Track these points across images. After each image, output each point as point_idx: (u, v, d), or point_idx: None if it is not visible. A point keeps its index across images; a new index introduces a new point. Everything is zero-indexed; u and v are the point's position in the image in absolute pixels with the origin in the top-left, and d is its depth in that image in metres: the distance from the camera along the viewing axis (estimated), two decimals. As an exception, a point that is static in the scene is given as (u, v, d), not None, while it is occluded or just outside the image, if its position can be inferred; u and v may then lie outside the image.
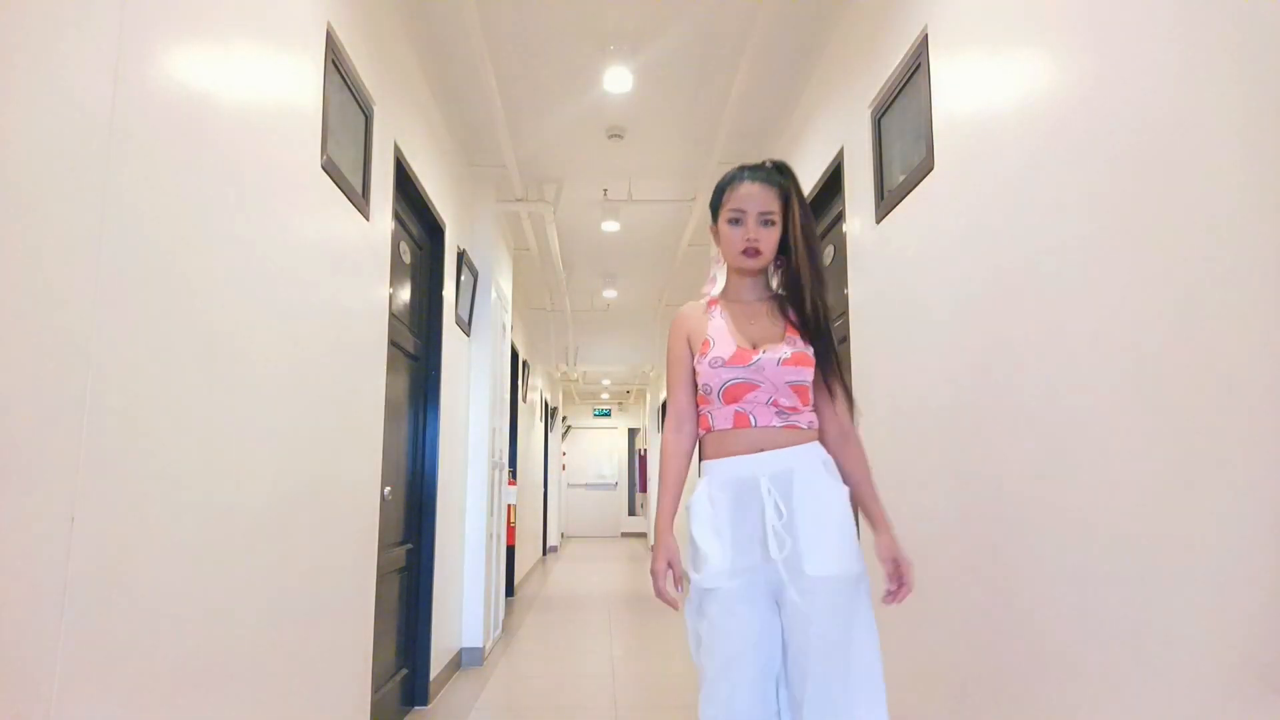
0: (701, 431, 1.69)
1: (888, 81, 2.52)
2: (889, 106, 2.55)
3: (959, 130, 2.06)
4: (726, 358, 1.62)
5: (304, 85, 2.07)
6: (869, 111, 2.70)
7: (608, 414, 15.71)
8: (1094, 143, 1.48)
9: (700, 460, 1.71)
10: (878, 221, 2.63)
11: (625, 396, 14.94)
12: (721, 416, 1.63)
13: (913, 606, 2.32)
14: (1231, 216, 1.16)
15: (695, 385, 1.72)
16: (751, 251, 1.67)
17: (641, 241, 5.97)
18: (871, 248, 2.72)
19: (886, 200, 2.55)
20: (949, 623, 2.08)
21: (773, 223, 1.67)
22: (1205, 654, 1.21)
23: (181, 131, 1.48)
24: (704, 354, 1.67)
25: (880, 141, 2.64)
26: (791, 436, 1.60)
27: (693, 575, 1.59)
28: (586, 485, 15.40)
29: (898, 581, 1.60)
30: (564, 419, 14.24)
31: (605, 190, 4.93)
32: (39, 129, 1.11)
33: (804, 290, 1.66)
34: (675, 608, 1.66)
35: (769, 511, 1.53)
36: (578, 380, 12.13)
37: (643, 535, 14.56)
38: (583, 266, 6.64)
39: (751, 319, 1.71)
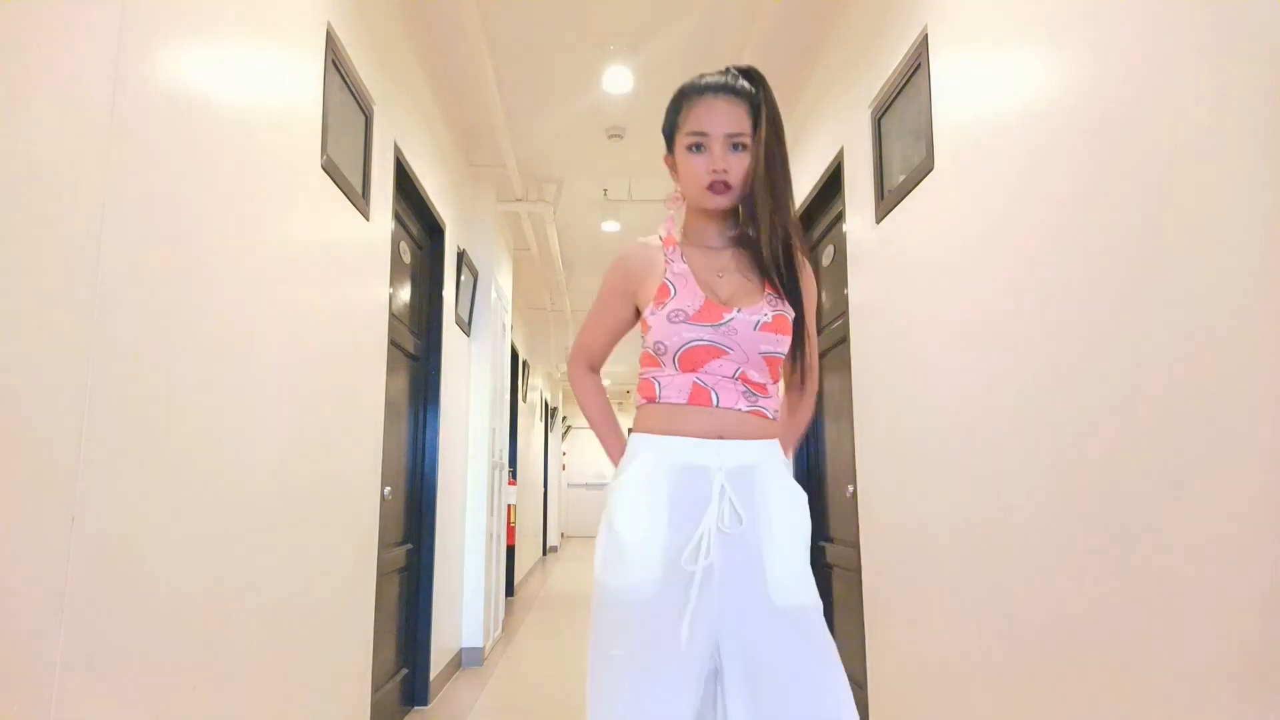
0: (642, 400, 1.37)
1: (888, 81, 2.52)
2: (889, 106, 2.55)
3: (959, 130, 2.06)
4: (691, 312, 1.29)
5: (304, 85, 2.07)
6: (869, 111, 2.70)
7: (608, 414, 15.68)
8: (1094, 142, 1.48)
9: (632, 431, 1.38)
10: (878, 221, 2.63)
11: (625, 396, 14.93)
12: (674, 387, 1.31)
13: (916, 604, 2.32)
14: (1233, 215, 1.16)
15: (618, 339, 1.47)
16: (719, 186, 1.32)
17: (641, 241, 5.96)
18: (871, 248, 2.72)
19: (886, 200, 2.55)
20: (950, 622, 2.08)
21: (744, 146, 1.32)
22: (1205, 654, 1.21)
23: (181, 131, 1.48)
24: (660, 304, 1.32)
25: (880, 141, 2.64)
26: (758, 426, 1.31)
27: (604, 576, 1.26)
28: (586, 485, 15.40)
29: None
30: (564, 419, 14.24)
31: (605, 190, 4.93)
32: (39, 128, 1.11)
33: (759, 228, 1.32)
34: None
35: (714, 513, 1.23)
36: (578, 380, 12.11)
37: (643, 535, 14.50)
38: (583, 266, 6.63)
39: (721, 270, 1.37)
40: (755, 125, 1.32)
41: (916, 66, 2.30)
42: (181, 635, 1.47)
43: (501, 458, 5.09)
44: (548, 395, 11.01)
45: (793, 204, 1.35)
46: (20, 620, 1.08)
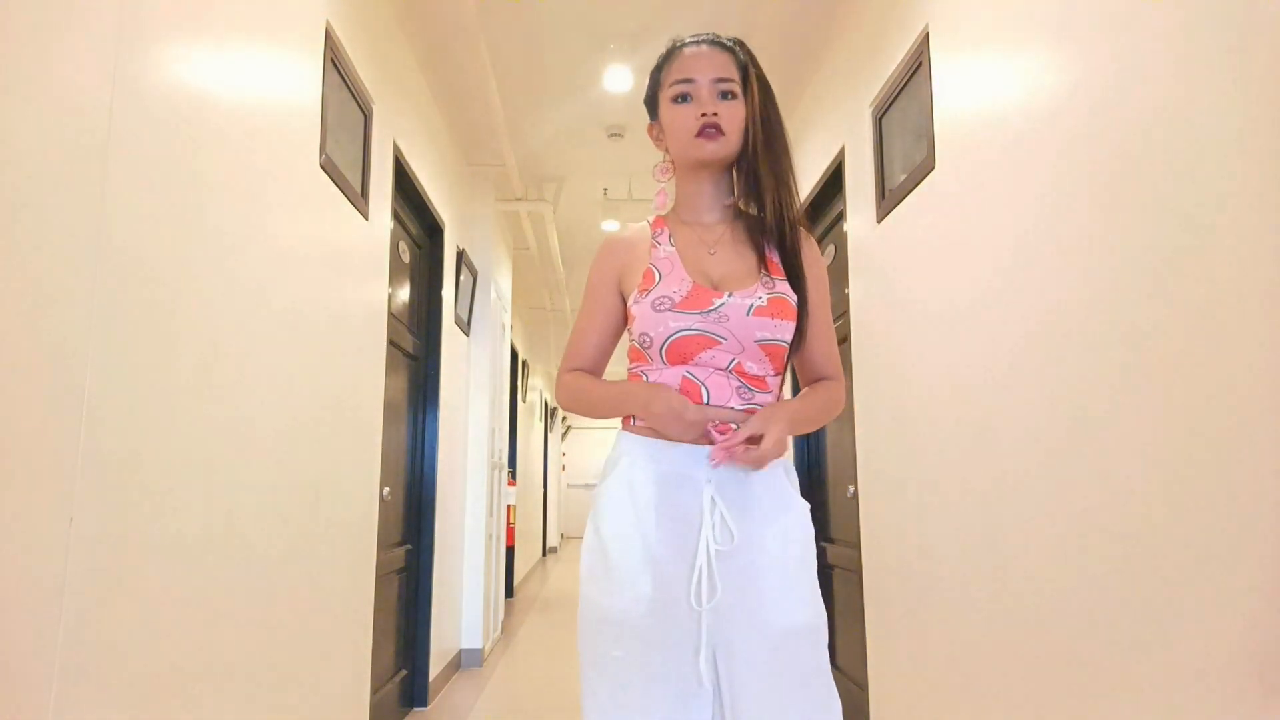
0: None
1: (889, 80, 2.51)
2: (890, 105, 2.54)
3: (960, 129, 2.05)
4: (678, 299, 1.17)
5: (302, 84, 2.06)
6: (870, 110, 2.70)
7: (607, 414, 15.68)
8: (1095, 141, 1.47)
9: (620, 428, 1.26)
10: (879, 221, 2.62)
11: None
12: (662, 383, 1.19)
13: (917, 605, 2.31)
14: (1233, 215, 1.16)
15: (614, 336, 1.31)
16: (711, 131, 1.19)
17: (641, 241, 5.96)
18: (872, 247, 2.71)
19: (888, 199, 2.54)
20: (952, 622, 2.07)
21: (734, 95, 1.21)
22: (1205, 654, 1.20)
23: (179, 131, 1.47)
24: (644, 291, 1.20)
25: (881, 141, 2.63)
26: None
27: (591, 590, 1.16)
28: (586, 486, 15.40)
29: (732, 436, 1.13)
30: (564, 419, 14.23)
31: (605, 190, 4.92)
32: (37, 128, 1.11)
33: (764, 199, 1.21)
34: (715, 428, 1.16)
35: (708, 532, 1.11)
36: (577, 380, 12.10)
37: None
38: (583, 266, 6.62)
39: (713, 246, 1.24)
40: (745, 84, 1.23)
41: (917, 66, 2.30)
42: (180, 636, 1.46)
43: (501, 458, 5.08)
44: (547, 395, 11.01)
45: (793, 172, 1.25)
46: (19, 621, 1.07)
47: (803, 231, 1.26)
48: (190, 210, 1.50)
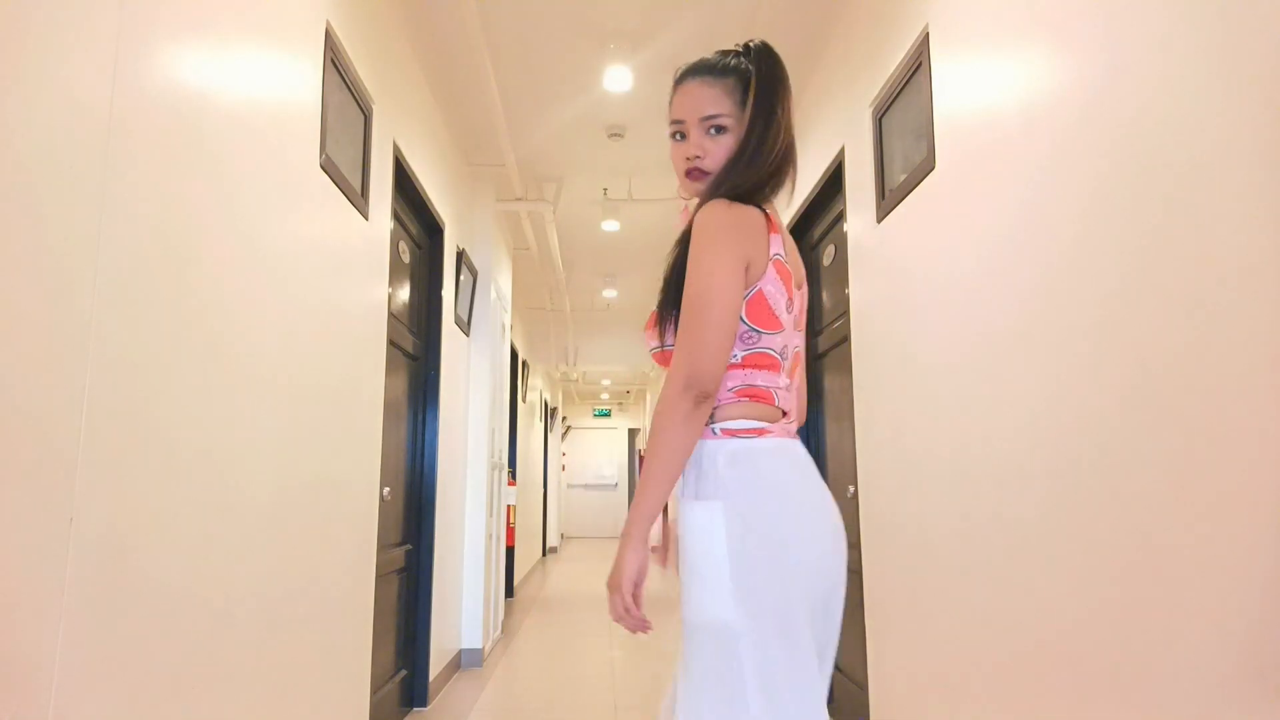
0: None
1: (889, 80, 2.51)
2: (890, 105, 2.54)
3: (960, 129, 2.05)
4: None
5: (302, 84, 2.06)
6: (870, 110, 2.70)
7: (608, 414, 15.69)
8: (1095, 141, 1.47)
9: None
10: (879, 221, 2.62)
11: (625, 396, 14.92)
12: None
13: (917, 604, 2.31)
14: (1232, 215, 1.16)
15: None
16: (695, 173, 1.26)
17: (641, 241, 5.96)
18: (873, 247, 2.71)
19: (888, 200, 2.54)
20: (951, 622, 2.07)
21: (724, 129, 1.24)
22: (1205, 654, 1.20)
23: (180, 130, 1.47)
24: None
25: (881, 141, 2.63)
26: None
27: None
28: (586, 486, 15.39)
29: None
30: (564, 419, 14.24)
31: (605, 189, 4.92)
32: (38, 128, 1.11)
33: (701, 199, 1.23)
34: None
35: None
36: (578, 380, 12.12)
37: (642, 535, 14.50)
38: (583, 266, 6.63)
39: None
40: (745, 101, 1.24)
41: (917, 65, 2.30)
42: (180, 636, 1.46)
43: (501, 458, 5.09)
44: (547, 395, 11.01)
45: (756, 174, 1.24)
46: (19, 621, 1.07)
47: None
48: (190, 210, 1.50)
